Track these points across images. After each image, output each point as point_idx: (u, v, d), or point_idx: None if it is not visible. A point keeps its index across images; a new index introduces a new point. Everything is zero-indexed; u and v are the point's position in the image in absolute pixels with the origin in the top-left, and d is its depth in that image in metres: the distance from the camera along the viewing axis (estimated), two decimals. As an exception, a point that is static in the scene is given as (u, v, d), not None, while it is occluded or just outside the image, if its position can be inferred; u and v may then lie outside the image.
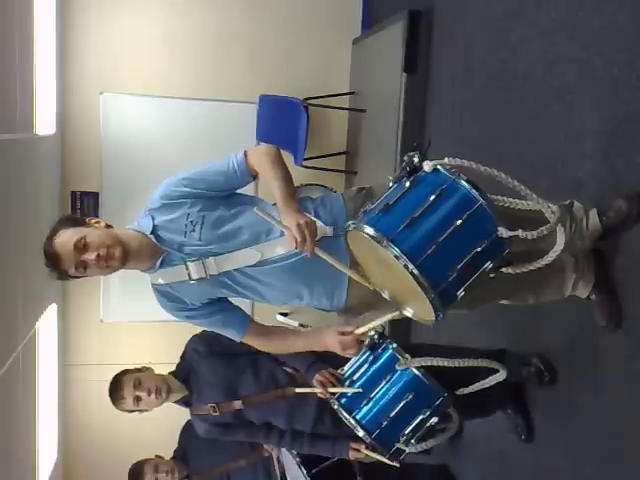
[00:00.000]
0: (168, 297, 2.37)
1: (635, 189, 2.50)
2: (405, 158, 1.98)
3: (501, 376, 2.61)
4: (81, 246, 2.15)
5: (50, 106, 4.85)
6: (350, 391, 2.64)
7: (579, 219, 2.44)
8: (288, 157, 5.26)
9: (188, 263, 2.25)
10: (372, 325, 2.35)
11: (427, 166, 1.94)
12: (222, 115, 5.55)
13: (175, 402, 2.96)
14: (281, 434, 2.93)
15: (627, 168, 2.58)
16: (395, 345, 2.65)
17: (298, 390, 2.80)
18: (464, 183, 1.92)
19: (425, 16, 4.52)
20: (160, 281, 2.34)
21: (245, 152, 2.25)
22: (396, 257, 1.85)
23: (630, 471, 2.53)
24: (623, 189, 2.55)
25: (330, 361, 2.78)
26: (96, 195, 5.34)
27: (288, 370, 2.89)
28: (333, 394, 2.67)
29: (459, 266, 1.90)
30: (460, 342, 3.14)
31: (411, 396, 2.57)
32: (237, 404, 2.84)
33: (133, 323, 5.60)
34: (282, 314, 5.74)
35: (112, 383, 2.92)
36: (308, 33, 5.63)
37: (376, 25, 5.32)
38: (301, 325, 5.69)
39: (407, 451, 2.63)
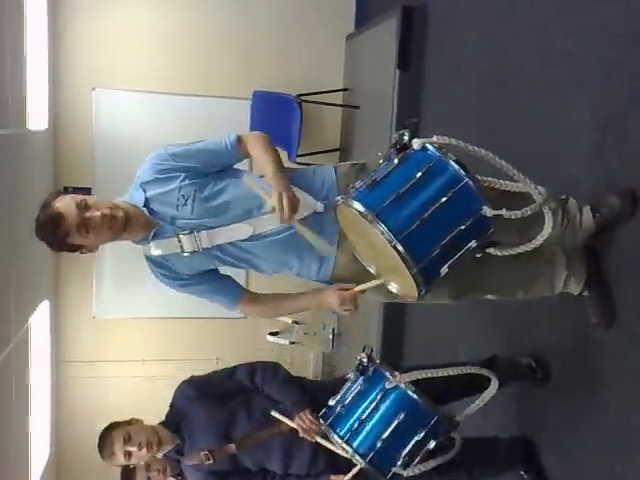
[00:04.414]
0: (161, 267, 2.40)
1: (628, 186, 2.50)
2: (395, 135, 2.01)
3: (494, 387, 2.56)
4: (83, 206, 2.17)
5: (42, 101, 4.83)
6: (337, 444, 2.52)
7: (572, 215, 2.44)
8: (282, 153, 5.25)
9: (181, 236, 2.29)
10: (369, 285, 2.33)
11: (416, 144, 1.98)
12: (215, 111, 5.53)
13: (167, 453, 2.84)
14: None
15: (620, 165, 2.58)
16: (384, 365, 2.54)
17: (286, 421, 2.71)
18: (451, 161, 1.96)
19: (418, 12, 4.52)
20: (153, 252, 2.36)
21: (238, 136, 2.33)
22: (381, 232, 1.87)
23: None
24: (616, 186, 2.54)
25: (322, 392, 2.74)
26: (88, 190, 5.30)
27: (282, 407, 2.78)
28: (324, 430, 2.58)
29: (442, 243, 1.93)
30: (454, 358, 3.09)
31: (403, 415, 2.44)
32: (231, 448, 2.74)
33: (126, 320, 5.59)
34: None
35: (101, 438, 2.80)
36: (302, 29, 5.62)
37: (370, 21, 5.30)
38: (295, 322, 5.70)
39: (405, 475, 2.50)
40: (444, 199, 1.93)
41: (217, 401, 2.83)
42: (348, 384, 2.60)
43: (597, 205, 2.49)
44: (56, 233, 2.16)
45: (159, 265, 2.40)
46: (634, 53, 2.51)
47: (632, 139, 2.52)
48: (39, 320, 4.73)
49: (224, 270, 2.51)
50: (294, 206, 2.13)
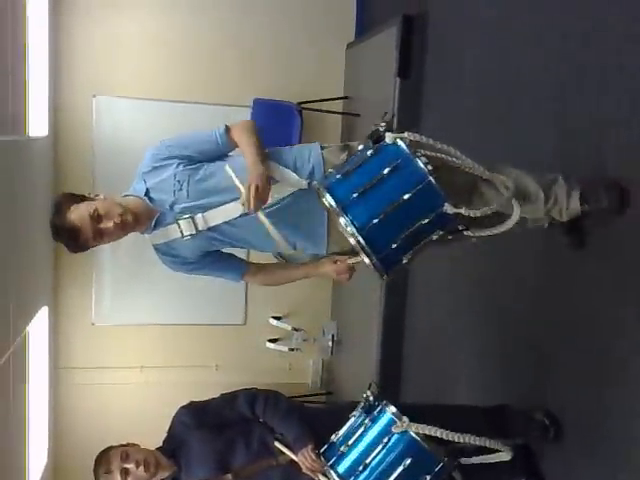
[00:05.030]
0: (168, 254, 2.58)
1: (616, 180, 2.55)
2: (372, 127, 2.16)
3: (506, 456, 2.49)
4: (96, 216, 2.36)
5: (43, 108, 4.83)
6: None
7: (560, 199, 2.53)
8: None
9: (180, 221, 2.45)
10: (359, 259, 2.39)
11: (388, 138, 2.13)
12: (216, 118, 5.43)
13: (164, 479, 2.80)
14: None
15: (621, 168, 2.60)
16: (392, 407, 2.47)
17: (288, 454, 2.66)
18: (417, 160, 2.09)
19: (419, 21, 4.53)
20: (158, 240, 2.54)
21: (227, 126, 2.47)
22: (345, 225, 2.05)
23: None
24: (607, 179, 2.60)
25: (322, 421, 2.73)
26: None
27: (281, 438, 2.73)
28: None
29: (403, 236, 2.08)
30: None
31: (409, 461, 2.37)
32: (227, 478, 2.69)
33: (125, 326, 5.58)
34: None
35: (98, 458, 2.77)
36: (302, 38, 5.63)
37: (370, 30, 5.32)
38: (294, 329, 5.69)
39: None
40: (408, 195, 2.06)
41: (215, 430, 2.78)
42: (352, 421, 2.55)
43: (586, 194, 2.54)
44: (75, 242, 2.41)
45: (165, 252, 2.57)
46: (634, 56, 2.52)
47: (633, 142, 2.53)
48: (38, 326, 4.72)
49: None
50: (261, 198, 2.25)
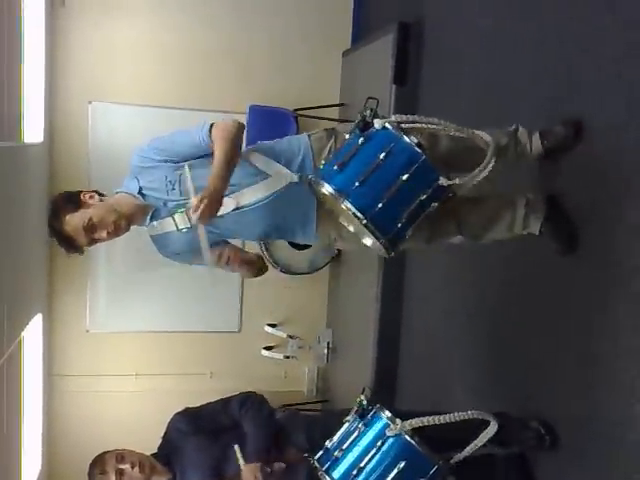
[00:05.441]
0: (163, 245, 2.67)
1: (570, 115, 2.77)
2: (358, 115, 2.24)
3: (492, 429, 2.51)
4: (90, 227, 2.47)
5: (38, 114, 4.82)
6: None
7: (523, 144, 2.75)
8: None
9: (175, 216, 2.55)
10: None
11: (377, 123, 2.22)
12: (211, 125, 5.53)
13: None
14: None
15: (621, 175, 2.59)
16: (386, 410, 2.49)
17: (240, 462, 2.68)
18: (409, 140, 2.20)
19: (415, 28, 4.54)
20: (154, 232, 2.64)
21: (212, 124, 2.47)
22: (352, 213, 2.16)
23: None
24: (563, 117, 2.80)
25: (319, 427, 2.75)
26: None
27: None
28: None
29: (406, 214, 2.22)
30: (443, 407, 3.05)
31: (403, 464, 2.38)
32: None
33: (119, 334, 5.56)
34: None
35: (93, 461, 2.81)
36: (299, 45, 5.64)
37: (366, 37, 5.33)
38: (289, 337, 5.68)
39: None
40: (406, 176, 2.19)
41: (210, 436, 2.80)
42: (346, 426, 2.55)
43: (545, 132, 2.77)
44: (69, 247, 2.54)
45: (162, 243, 2.66)
46: (632, 64, 2.52)
47: (630, 149, 2.53)
48: (32, 333, 4.70)
49: None
50: (206, 216, 2.25)
